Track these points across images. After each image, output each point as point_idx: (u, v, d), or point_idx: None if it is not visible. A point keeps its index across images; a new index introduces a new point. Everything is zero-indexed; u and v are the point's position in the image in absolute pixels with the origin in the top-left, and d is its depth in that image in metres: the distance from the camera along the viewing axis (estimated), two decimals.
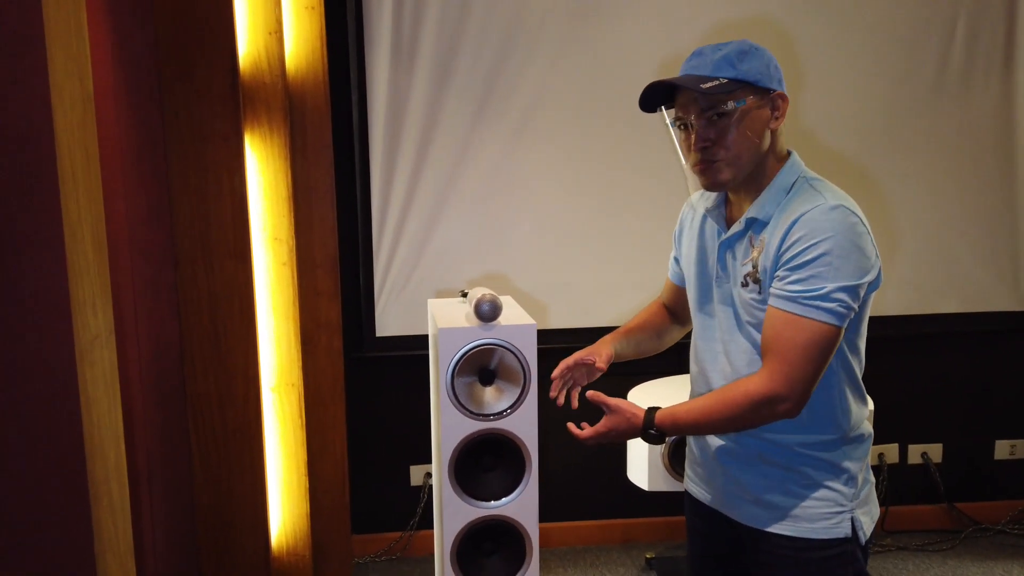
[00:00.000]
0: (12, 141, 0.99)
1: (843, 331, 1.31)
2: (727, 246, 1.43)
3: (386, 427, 2.90)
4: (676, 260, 1.65)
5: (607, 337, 1.66)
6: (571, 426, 1.50)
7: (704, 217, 1.50)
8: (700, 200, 1.56)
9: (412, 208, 2.75)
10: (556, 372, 1.59)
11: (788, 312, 1.29)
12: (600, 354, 1.60)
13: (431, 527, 2.95)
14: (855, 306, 1.30)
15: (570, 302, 2.85)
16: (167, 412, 2.18)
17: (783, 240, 1.31)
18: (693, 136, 1.37)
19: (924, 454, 3.07)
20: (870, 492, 1.44)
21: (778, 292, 1.31)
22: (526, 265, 2.83)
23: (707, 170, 1.37)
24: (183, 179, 2.23)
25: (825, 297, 1.27)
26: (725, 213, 1.46)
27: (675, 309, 1.71)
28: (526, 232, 2.81)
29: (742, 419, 1.34)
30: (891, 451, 3.05)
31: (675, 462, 2.46)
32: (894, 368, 2.98)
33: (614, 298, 2.83)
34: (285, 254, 2.46)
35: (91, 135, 1.15)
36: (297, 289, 2.49)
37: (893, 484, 3.04)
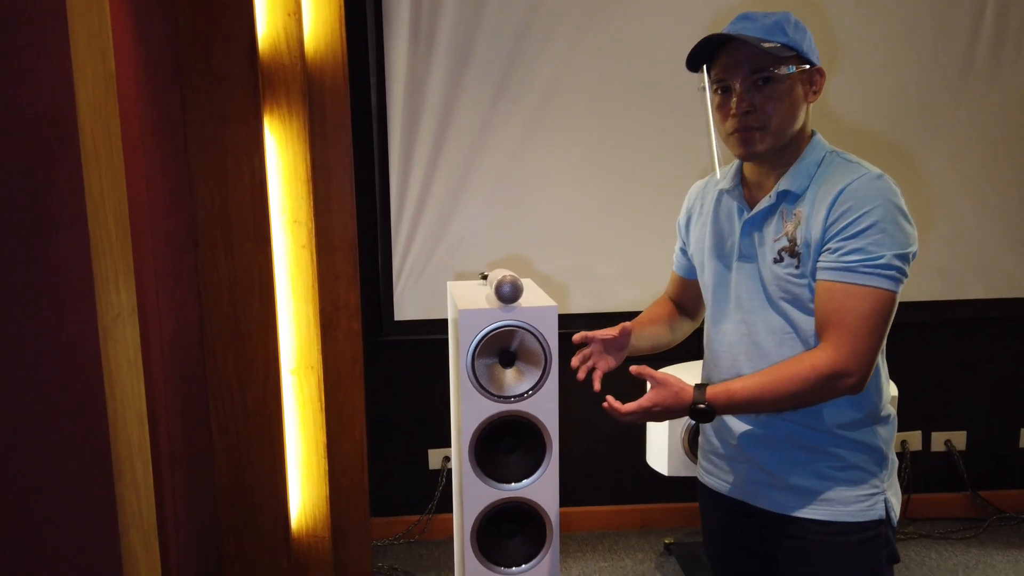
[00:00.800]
0: (35, 117, 0.98)
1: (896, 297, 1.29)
2: (752, 225, 1.40)
3: (404, 411, 2.91)
4: (683, 251, 1.62)
5: None
6: (610, 400, 1.40)
7: (717, 200, 1.48)
8: (709, 185, 1.54)
9: (431, 191, 2.73)
10: (577, 337, 1.53)
11: (848, 283, 1.27)
12: (622, 331, 1.54)
13: (449, 511, 2.96)
14: (908, 274, 1.29)
15: (591, 286, 2.84)
16: (188, 393, 2.20)
17: (830, 211, 1.29)
18: (734, 100, 1.33)
19: (948, 442, 3.03)
20: (895, 473, 1.43)
21: (833, 264, 1.29)
22: (546, 248, 2.81)
23: (746, 138, 1.34)
24: (202, 161, 2.23)
25: (885, 265, 1.26)
26: (743, 194, 1.44)
27: (683, 302, 1.68)
28: (546, 215, 2.79)
29: (806, 395, 1.30)
30: (914, 438, 3.01)
31: (695, 447, 2.45)
32: (918, 354, 2.94)
33: (635, 282, 2.82)
34: (304, 236, 2.46)
35: (113, 113, 1.15)
36: (316, 272, 2.49)
37: (916, 471, 3.01)
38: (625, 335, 1.51)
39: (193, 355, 2.24)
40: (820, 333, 1.31)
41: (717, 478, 1.53)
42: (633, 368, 1.40)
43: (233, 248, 2.28)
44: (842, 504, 1.36)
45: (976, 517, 3.01)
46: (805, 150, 1.37)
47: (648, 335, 1.62)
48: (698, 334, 1.73)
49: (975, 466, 3.04)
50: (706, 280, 1.51)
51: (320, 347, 2.52)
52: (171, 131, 2.11)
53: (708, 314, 1.53)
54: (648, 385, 1.41)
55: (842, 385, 1.28)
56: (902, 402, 2.62)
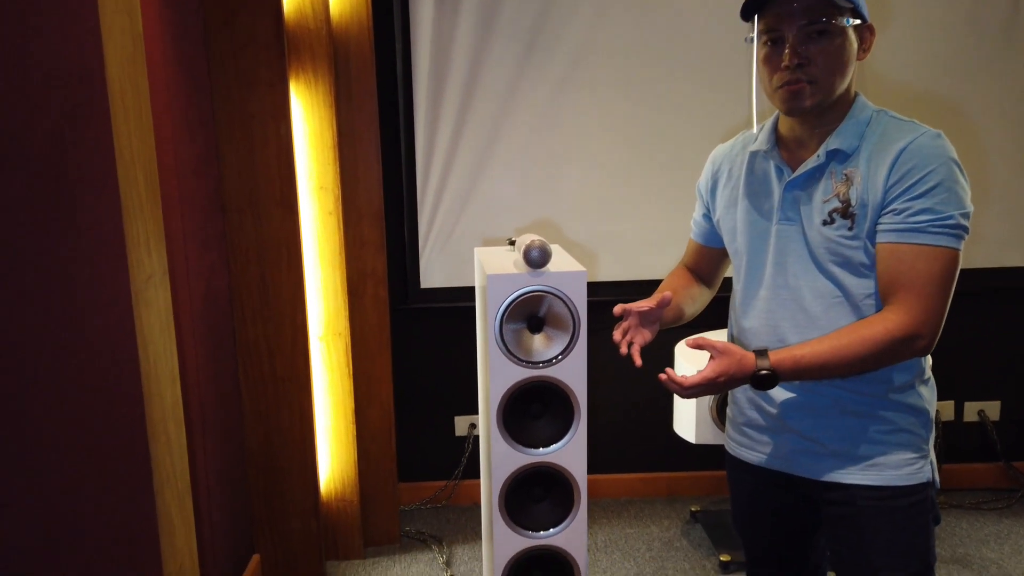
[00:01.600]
0: (64, 76, 0.98)
1: None
2: (797, 186, 1.35)
3: (431, 378, 2.92)
4: (706, 217, 1.56)
5: None
6: (669, 372, 1.33)
7: (750, 163, 1.42)
8: (736, 147, 1.48)
9: (457, 157, 2.71)
10: (617, 309, 1.47)
11: (917, 244, 1.25)
12: (660, 302, 1.46)
13: (475, 477, 2.98)
14: (970, 231, 1.27)
15: (620, 253, 2.81)
16: (219, 359, 2.22)
17: (891, 171, 1.26)
18: (786, 52, 1.28)
19: (981, 412, 2.98)
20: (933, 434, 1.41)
21: (899, 226, 1.26)
22: (574, 214, 2.78)
23: (795, 92, 1.29)
24: (230, 127, 2.23)
25: (953, 224, 1.24)
26: (781, 155, 1.39)
27: (701, 271, 1.63)
28: (574, 181, 2.76)
29: (878, 358, 1.27)
30: (946, 408, 2.97)
31: (723, 416, 2.43)
32: (951, 323, 2.86)
33: (666, 249, 2.78)
34: (331, 203, 2.45)
35: (141, 72, 1.14)
36: (343, 239, 2.49)
37: (948, 441, 2.97)
38: (663, 305, 1.44)
39: (223, 320, 2.26)
40: (887, 296, 1.28)
41: (751, 450, 1.49)
42: (690, 340, 1.35)
43: (260, 214, 2.28)
44: (892, 468, 1.34)
45: (1008, 488, 2.97)
46: (852, 109, 1.33)
47: (670, 307, 1.54)
48: (716, 304, 1.69)
49: (1008, 437, 2.99)
50: (739, 246, 1.45)
51: (348, 314, 2.53)
52: (198, 96, 2.11)
53: (741, 282, 1.47)
54: (708, 356, 1.34)
55: (915, 348, 1.27)
56: (935, 372, 2.57)
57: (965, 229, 1.26)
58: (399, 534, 2.75)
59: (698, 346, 1.33)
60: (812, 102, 1.29)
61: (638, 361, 1.41)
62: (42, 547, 0.94)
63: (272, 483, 2.45)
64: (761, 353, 1.30)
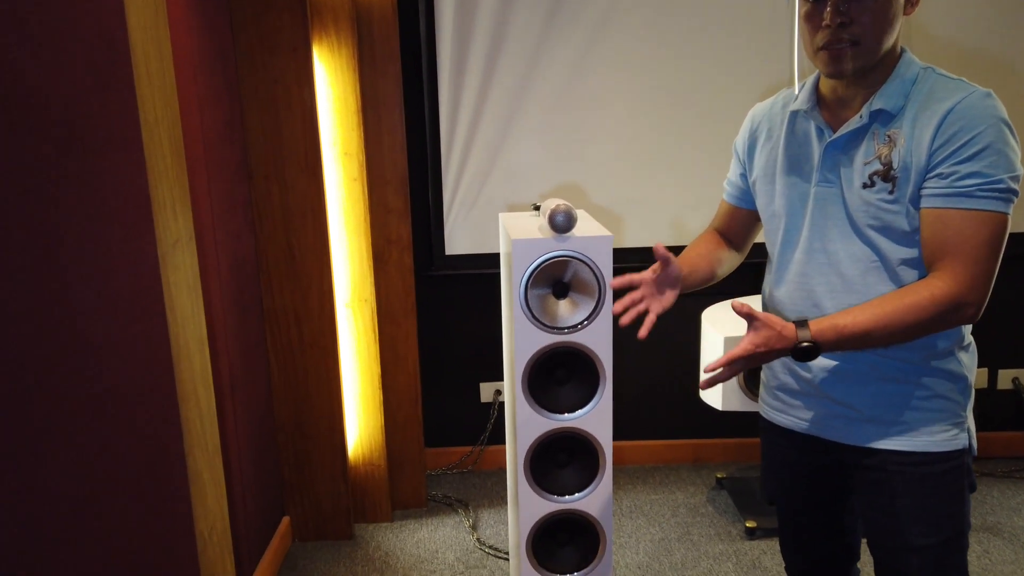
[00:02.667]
0: (88, 39, 0.97)
1: None
2: (837, 147, 1.31)
3: (456, 345, 2.93)
4: (743, 177, 1.52)
5: None
6: (711, 371, 1.27)
7: (791, 122, 1.38)
8: (776, 106, 1.44)
9: (481, 121, 2.69)
10: (616, 283, 1.43)
11: (966, 209, 1.21)
12: (662, 263, 1.41)
13: (501, 442, 3.00)
14: (1019, 194, 1.23)
15: (646, 218, 2.78)
16: (246, 324, 2.24)
17: (937, 133, 1.21)
18: (828, 11, 1.23)
19: (1015, 379, 2.93)
20: (972, 400, 1.38)
21: (946, 190, 1.22)
22: (600, 179, 2.75)
23: (837, 54, 1.24)
24: (254, 92, 2.22)
25: (1003, 188, 1.20)
26: (822, 115, 1.35)
27: (731, 234, 1.59)
28: (600, 145, 2.72)
29: (925, 326, 1.23)
30: (980, 376, 2.92)
31: (750, 383, 2.41)
32: None
33: (693, 215, 2.75)
34: (355, 169, 2.45)
35: (164, 36, 1.13)
36: (368, 205, 2.49)
37: (980, 409, 2.92)
38: (668, 265, 1.40)
39: (250, 286, 2.28)
40: (933, 262, 1.24)
41: (787, 415, 1.47)
42: (735, 303, 1.28)
43: (286, 180, 2.28)
44: (927, 435, 1.32)
45: None
46: (897, 67, 1.27)
47: (697, 270, 1.51)
48: (745, 267, 1.65)
49: None
50: (776, 208, 1.42)
51: (373, 280, 2.54)
52: (222, 61, 2.10)
53: (777, 245, 1.43)
54: (747, 325, 1.28)
55: (962, 315, 1.24)
56: None
57: (1015, 192, 1.22)
58: (426, 498, 2.79)
59: (741, 313, 1.27)
60: (855, 65, 1.24)
61: (643, 332, 1.37)
62: (81, 497, 0.96)
63: (301, 447, 2.49)
64: (802, 324, 1.25)
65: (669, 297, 1.42)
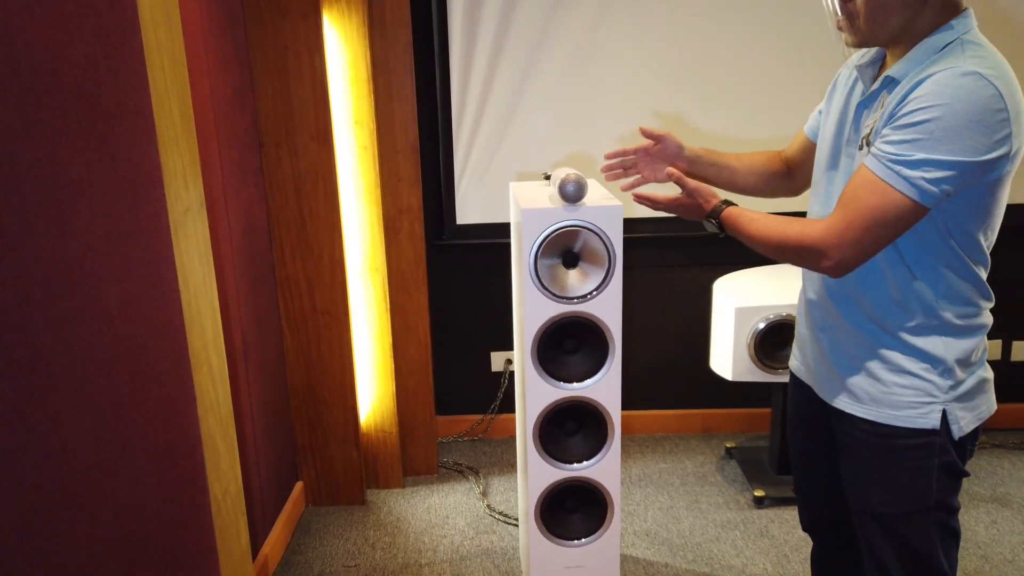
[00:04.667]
0: (95, 4, 0.97)
1: (924, 210, 1.19)
2: (864, 107, 1.33)
3: (467, 314, 2.94)
4: (821, 113, 1.54)
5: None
6: (641, 192, 1.51)
7: (856, 76, 1.40)
8: (857, 57, 1.44)
9: (492, 89, 2.66)
10: (609, 153, 1.62)
11: (870, 171, 1.21)
12: (661, 138, 1.61)
13: (511, 411, 3.02)
14: (948, 188, 1.17)
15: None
16: (259, 292, 2.26)
17: (902, 100, 1.20)
18: None
19: None
20: (979, 388, 1.36)
21: (872, 150, 1.23)
22: (611, 149, 2.72)
23: (847, 27, 1.29)
24: (264, 58, 2.21)
25: (910, 165, 1.16)
26: (876, 73, 1.35)
27: (793, 164, 1.62)
28: (612, 113, 2.70)
29: (786, 254, 1.33)
30: (993, 347, 2.90)
31: (760, 353, 2.41)
32: (998, 260, 2.77)
33: None
34: (366, 138, 2.44)
35: (172, 0, 1.13)
36: (379, 174, 2.48)
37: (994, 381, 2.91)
38: (667, 141, 1.58)
39: (262, 254, 2.29)
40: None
41: (798, 361, 1.54)
42: (668, 170, 1.50)
43: (297, 148, 2.28)
44: (891, 408, 1.33)
45: None
46: (935, 32, 1.23)
47: (720, 162, 1.63)
48: None
49: None
50: (818, 157, 1.46)
51: (384, 249, 2.54)
52: (232, 26, 2.09)
53: (813, 197, 1.48)
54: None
55: (817, 263, 1.27)
56: None
57: (927, 179, 1.16)
58: (437, 465, 2.82)
59: (671, 177, 1.49)
60: (855, 40, 1.28)
61: (625, 186, 1.63)
62: (95, 463, 0.98)
63: (314, 414, 2.52)
64: (726, 203, 1.43)
65: (658, 172, 1.64)
